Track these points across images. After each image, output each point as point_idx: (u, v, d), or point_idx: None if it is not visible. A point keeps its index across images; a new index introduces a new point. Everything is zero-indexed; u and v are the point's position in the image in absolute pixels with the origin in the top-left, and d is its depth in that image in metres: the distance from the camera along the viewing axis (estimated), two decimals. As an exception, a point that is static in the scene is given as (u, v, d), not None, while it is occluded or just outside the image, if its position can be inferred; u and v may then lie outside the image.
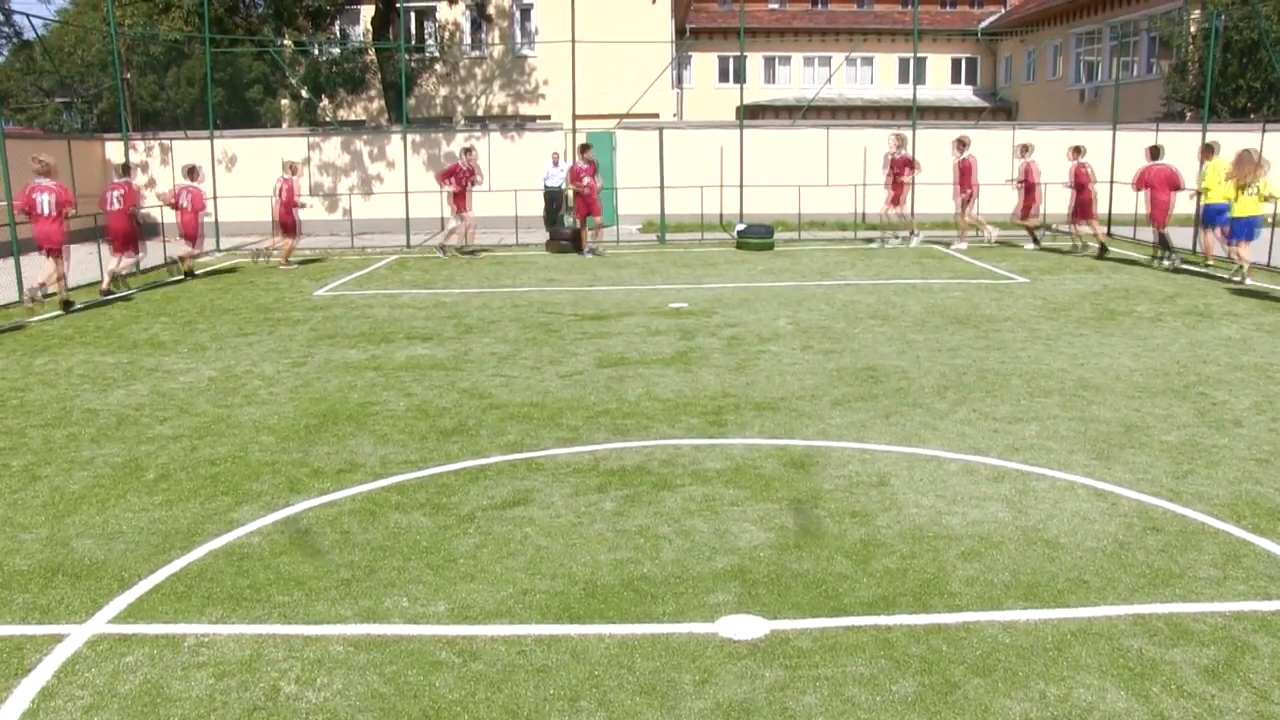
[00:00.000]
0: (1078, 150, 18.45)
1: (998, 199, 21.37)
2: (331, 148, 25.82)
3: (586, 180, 19.38)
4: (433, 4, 30.84)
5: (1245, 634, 4.52)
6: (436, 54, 32.26)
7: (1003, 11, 50.15)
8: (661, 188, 21.83)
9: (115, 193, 15.65)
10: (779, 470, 6.78)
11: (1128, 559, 5.31)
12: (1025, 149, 19.54)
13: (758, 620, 4.69)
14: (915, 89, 24.02)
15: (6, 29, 29.08)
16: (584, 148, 19.90)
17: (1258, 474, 6.61)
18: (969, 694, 4.07)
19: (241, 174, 24.79)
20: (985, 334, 11.29)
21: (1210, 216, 16.30)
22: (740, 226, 20.86)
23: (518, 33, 32.81)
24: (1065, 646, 4.43)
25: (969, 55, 50.45)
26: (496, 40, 32.60)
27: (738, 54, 26.97)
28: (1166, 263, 16.86)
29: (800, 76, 49.62)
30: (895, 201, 20.26)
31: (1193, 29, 30.62)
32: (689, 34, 44.71)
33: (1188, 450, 7.13)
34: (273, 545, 5.65)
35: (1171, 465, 6.81)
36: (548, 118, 29.62)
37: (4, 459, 7.33)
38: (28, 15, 21.58)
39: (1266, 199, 14.69)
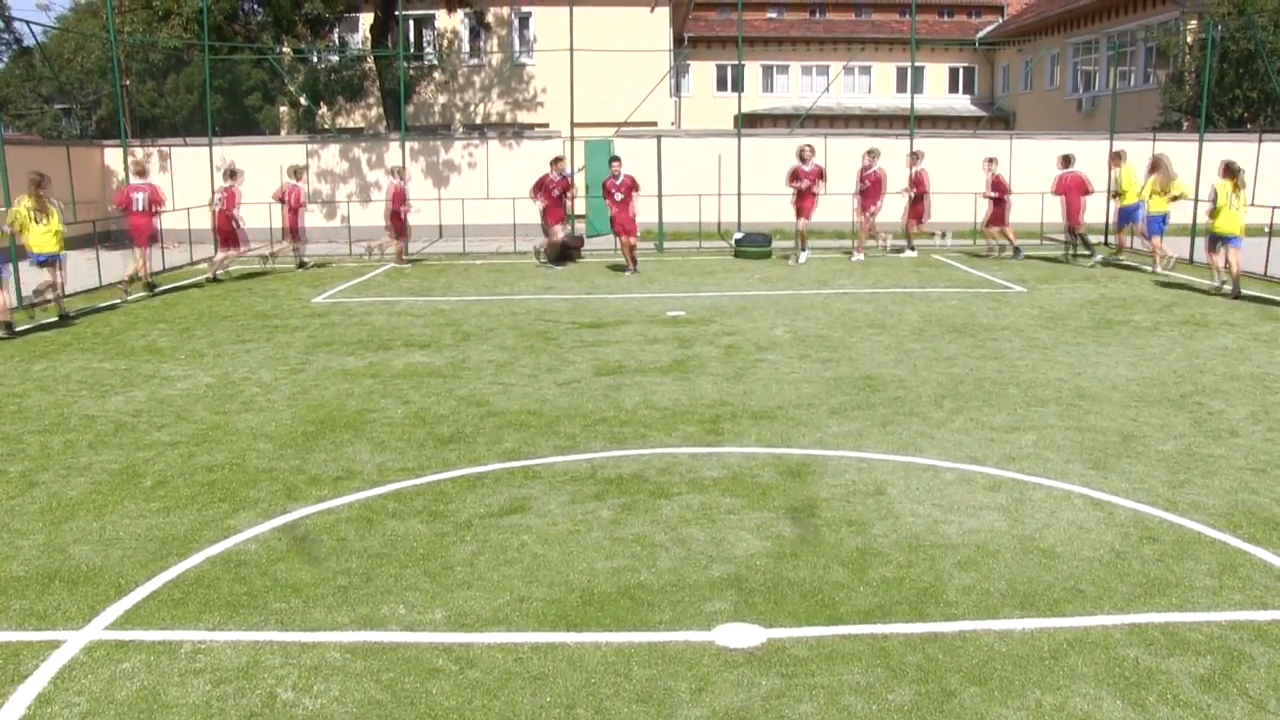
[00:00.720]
0: (992, 161, 19.53)
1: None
2: (330, 155, 25.85)
3: (558, 194, 19.11)
4: (431, 12, 30.88)
5: (1241, 644, 4.52)
6: (435, 62, 32.30)
7: (1000, 21, 50.34)
8: (659, 196, 21.85)
9: (219, 195, 18.46)
10: (776, 479, 6.79)
11: (1124, 568, 5.32)
12: (916, 157, 19.85)
13: (754, 628, 4.70)
14: (913, 98, 24.09)
15: (6, 35, 29.10)
16: (555, 160, 19.46)
17: (1254, 484, 6.63)
18: (965, 703, 4.08)
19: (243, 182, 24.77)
20: (982, 343, 11.31)
21: (1125, 217, 18.46)
22: (738, 235, 20.88)
23: (516, 41, 32.88)
24: (1061, 656, 4.43)
25: (967, 64, 50.59)
26: (495, 48, 32.67)
27: (736, 63, 27.00)
28: (1089, 261, 18.50)
29: (798, 85, 49.74)
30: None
31: (1189, 39, 30.72)
32: (687, 43, 44.78)
33: (1184, 460, 7.14)
34: (270, 552, 5.65)
35: (1168, 475, 6.82)
36: (546, 126, 29.66)
37: (1, 465, 7.34)
38: (28, 22, 21.62)
39: (1175, 198, 17.14)
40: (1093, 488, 6.57)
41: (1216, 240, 14.75)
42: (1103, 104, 35.68)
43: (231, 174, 18.59)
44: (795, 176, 18.91)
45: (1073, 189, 18.83)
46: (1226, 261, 14.70)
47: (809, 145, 19.16)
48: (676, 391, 9.26)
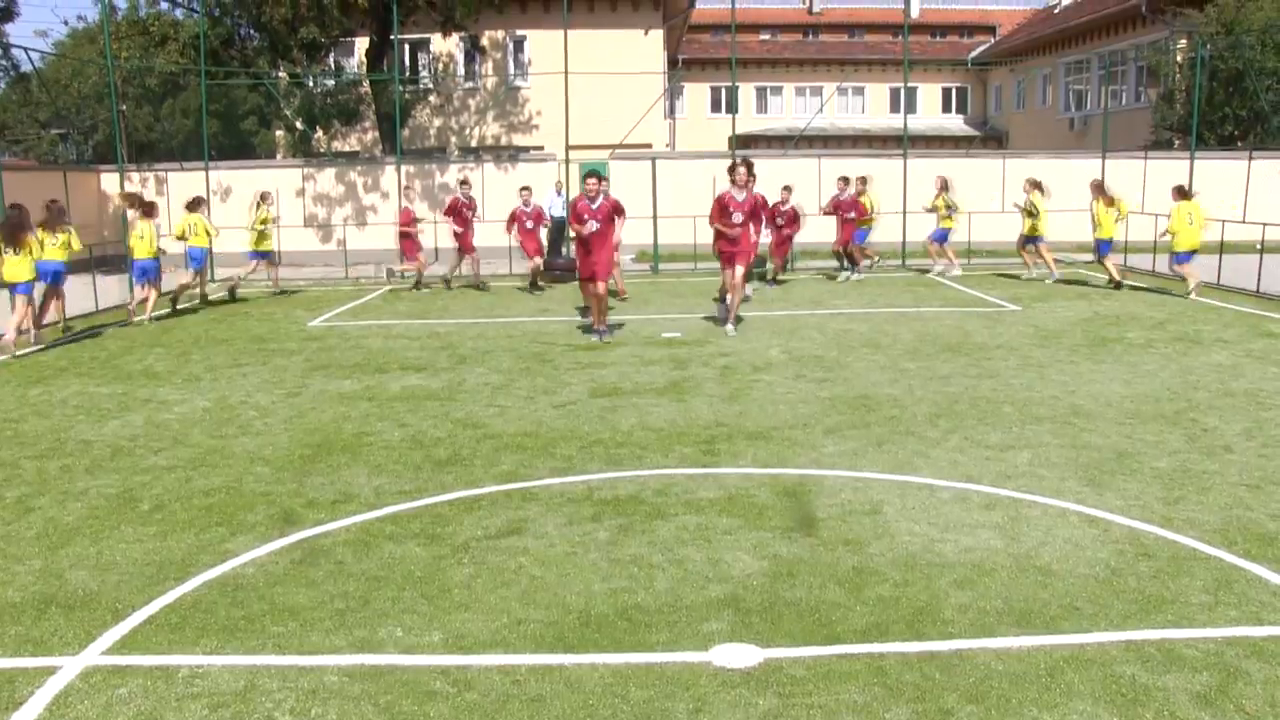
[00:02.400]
0: (847, 181, 19.74)
1: (992, 227, 21.49)
2: (326, 179, 25.94)
3: (530, 225, 18.74)
4: (427, 36, 31.05)
5: (1237, 660, 4.53)
6: (430, 85, 32.46)
7: (992, 41, 50.66)
8: (655, 217, 21.93)
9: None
10: (772, 499, 6.80)
11: (1120, 585, 5.33)
12: (846, 181, 19.64)
13: (751, 649, 4.70)
14: (906, 118, 24.20)
15: (4, 61, 29.23)
16: (523, 189, 19.20)
17: (1248, 500, 6.65)
18: (962, 721, 4.08)
19: (236, 205, 24.86)
20: (977, 362, 11.34)
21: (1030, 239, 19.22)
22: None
23: (511, 64, 33.05)
24: (1058, 673, 4.44)
25: (959, 84, 50.89)
26: (490, 72, 32.83)
27: (730, 84, 27.17)
28: (855, 275, 19.69)
29: (792, 106, 50.00)
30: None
31: (1179, 58, 30.94)
32: (681, 65, 45.03)
33: (1179, 476, 7.16)
34: (267, 576, 5.65)
35: (1163, 491, 6.84)
36: (541, 148, 29.79)
37: (-2, 491, 7.33)
38: (25, 49, 21.71)
39: (1118, 218, 18.12)
40: (1088, 505, 6.59)
41: (1183, 255, 16.48)
42: (1095, 123, 35.89)
43: (408, 189, 20.45)
44: (724, 210, 13.60)
45: (846, 209, 19.44)
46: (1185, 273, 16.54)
47: (743, 162, 13.72)
48: (672, 413, 9.28)
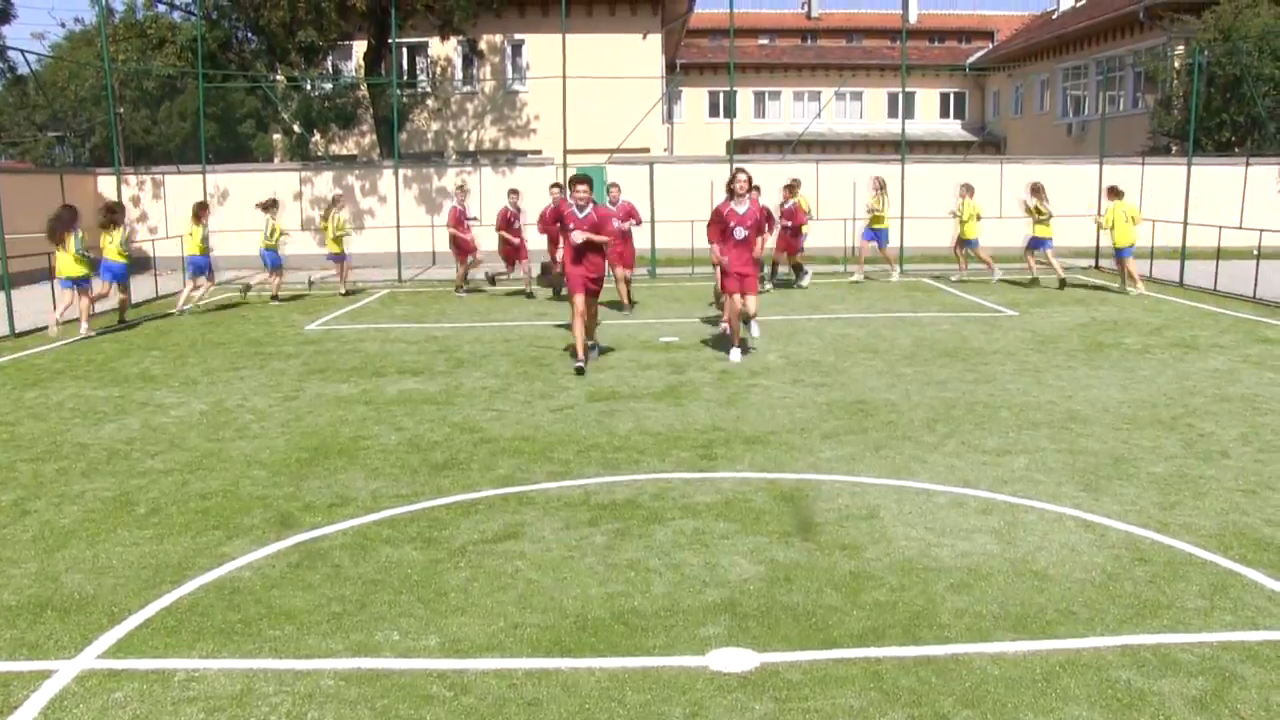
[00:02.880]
0: (791, 188, 19.38)
1: (988, 232, 21.49)
2: (323, 182, 25.94)
3: (517, 225, 18.51)
4: (425, 40, 31.07)
5: (1233, 664, 4.54)
6: (428, 89, 32.48)
7: (990, 47, 50.76)
8: (652, 222, 21.94)
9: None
10: (769, 504, 6.81)
11: (1116, 590, 5.34)
12: (792, 189, 19.12)
13: (748, 653, 4.70)
14: (904, 123, 24.23)
15: (1, 63, 29.21)
16: (511, 192, 19.08)
17: (1244, 505, 6.66)
18: (958, 726, 4.09)
19: (234, 208, 24.88)
20: (974, 367, 11.35)
21: (876, 237, 19.96)
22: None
23: (509, 68, 33.07)
24: (1054, 678, 4.45)
25: (957, 90, 50.98)
26: (488, 76, 32.85)
27: (728, 89, 27.19)
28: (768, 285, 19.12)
29: (790, 111, 50.08)
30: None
31: (1177, 64, 31.00)
32: (679, 69, 45.10)
33: (1175, 481, 7.17)
34: (264, 579, 5.65)
35: (1159, 496, 6.85)
36: (539, 152, 29.80)
37: (-6, 494, 7.32)
38: (22, 51, 21.69)
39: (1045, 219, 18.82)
40: (1085, 510, 6.60)
41: (1126, 250, 17.72)
42: (1092, 128, 35.95)
43: (461, 189, 20.12)
44: (724, 226, 11.93)
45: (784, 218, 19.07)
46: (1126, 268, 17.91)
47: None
48: (669, 417, 9.28)
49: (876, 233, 19.96)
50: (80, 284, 14.81)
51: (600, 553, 5.97)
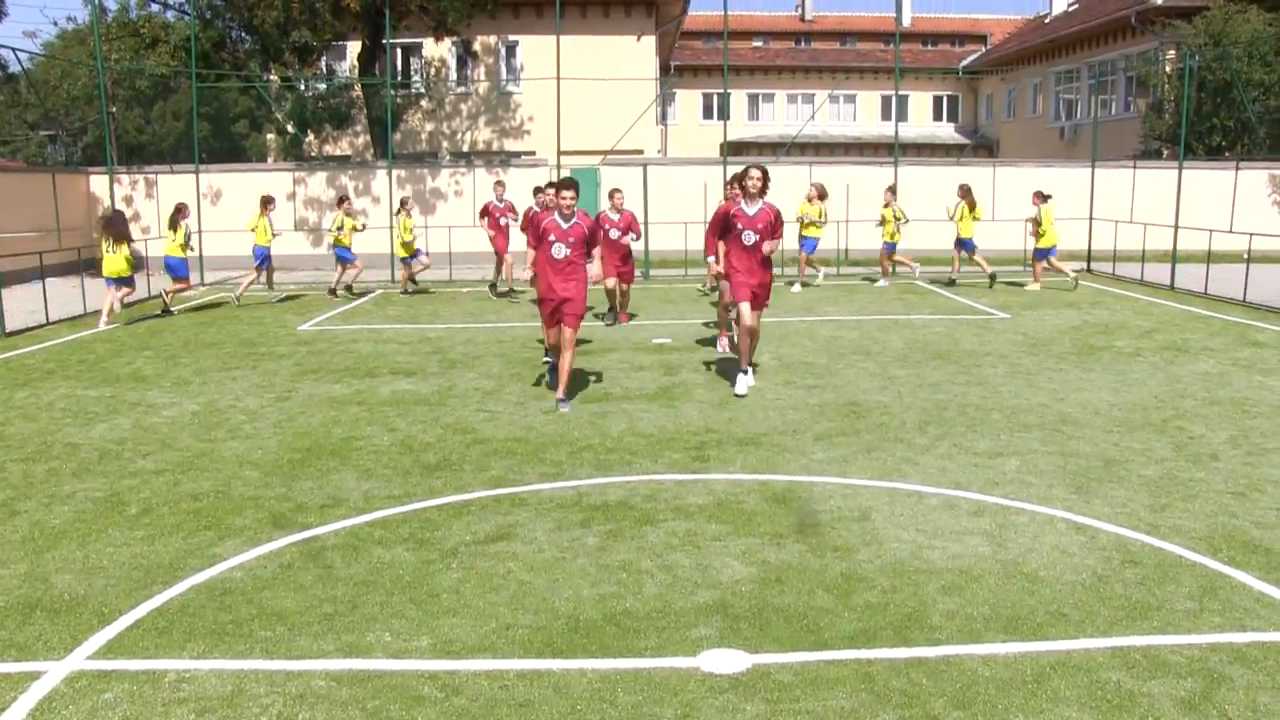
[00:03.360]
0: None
1: (983, 235, 21.52)
2: (317, 182, 25.91)
3: (506, 221, 18.58)
4: (419, 40, 31.04)
5: (1221, 666, 4.56)
6: (422, 90, 32.45)
7: (983, 50, 50.85)
8: (645, 224, 21.93)
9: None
10: (761, 505, 6.82)
11: (1106, 592, 5.35)
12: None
13: (739, 654, 4.71)
14: (897, 126, 24.29)
15: (-8, 63, 29.13)
16: (497, 184, 19.29)
17: (1234, 507, 6.68)
18: (949, 727, 4.10)
19: (226, 208, 24.85)
20: (966, 369, 11.38)
21: (808, 245, 19.58)
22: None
23: (503, 69, 33.07)
24: (1044, 679, 4.46)
25: (950, 93, 51.06)
26: (482, 77, 32.84)
27: (722, 91, 27.20)
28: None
29: (784, 114, 50.12)
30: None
31: (1168, 69, 31.10)
32: (673, 71, 45.11)
33: (1165, 484, 7.20)
34: (255, 580, 5.64)
35: (1150, 499, 6.87)
36: (533, 154, 29.80)
37: (-16, 494, 7.30)
38: (14, 49, 21.64)
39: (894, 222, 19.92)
40: (1075, 512, 6.62)
41: (1044, 252, 18.95)
42: (1084, 132, 36.05)
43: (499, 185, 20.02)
44: (728, 229, 10.47)
45: (496, 215, 19.07)
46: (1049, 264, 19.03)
47: (756, 167, 10.45)
48: (662, 418, 9.29)
49: (806, 239, 19.61)
50: (123, 282, 15.70)
51: (592, 554, 5.98)
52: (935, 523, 6.44)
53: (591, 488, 7.25)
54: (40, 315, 15.84)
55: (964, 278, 20.40)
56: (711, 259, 10.69)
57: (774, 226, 10.31)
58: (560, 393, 9.80)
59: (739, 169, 11.31)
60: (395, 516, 6.70)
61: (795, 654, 4.71)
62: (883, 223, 20.04)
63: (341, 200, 19.07)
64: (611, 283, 14.77)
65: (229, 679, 4.56)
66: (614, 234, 14.59)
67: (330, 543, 6.21)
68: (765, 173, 10.29)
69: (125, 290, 15.92)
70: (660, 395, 10.24)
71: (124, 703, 4.37)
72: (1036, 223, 18.88)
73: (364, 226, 19.12)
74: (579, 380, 10.75)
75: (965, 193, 19.50)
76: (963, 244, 19.58)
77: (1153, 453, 8.00)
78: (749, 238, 10.28)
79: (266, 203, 18.14)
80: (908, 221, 20.18)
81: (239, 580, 5.65)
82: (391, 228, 19.84)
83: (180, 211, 16.93)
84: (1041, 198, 18.81)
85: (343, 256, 18.92)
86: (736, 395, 10.14)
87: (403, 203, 19.65)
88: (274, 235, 18.37)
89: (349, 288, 19.48)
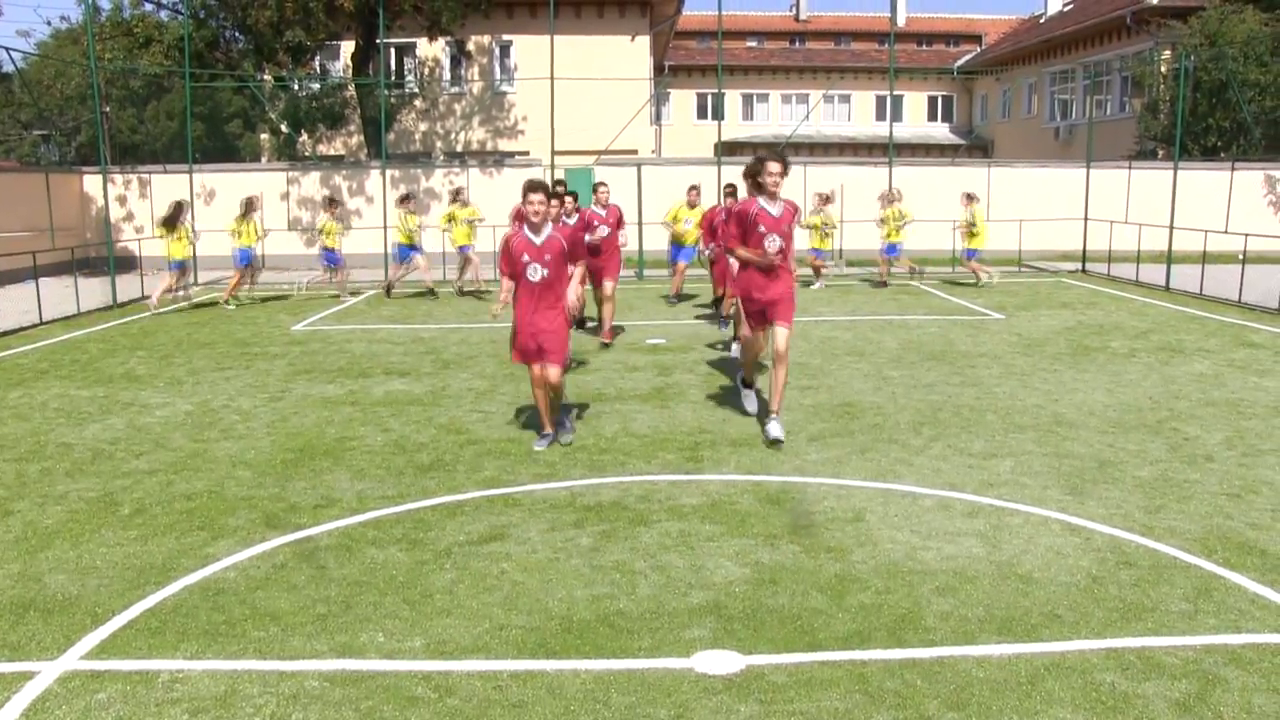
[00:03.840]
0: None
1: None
2: (310, 182, 25.87)
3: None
4: (412, 40, 31.00)
5: (1216, 667, 4.56)
6: (416, 90, 32.41)
7: (978, 50, 50.89)
8: (640, 224, 21.94)
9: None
10: (755, 506, 6.81)
11: (1100, 593, 5.35)
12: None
13: (733, 655, 4.70)
14: (892, 126, 24.30)
15: (-15, 62, 29.08)
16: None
17: (1229, 508, 6.69)
18: (943, 729, 4.09)
19: (220, 208, 24.79)
20: (961, 370, 11.38)
21: (679, 255, 18.01)
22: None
23: (497, 69, 33.03)
24: (1038, 680, 4.46)
25: (945, 93, 51.10)
26: (476, 76, 32.81)
27: (716, 91, 27.20)
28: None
29: (778, 113, 50.12)
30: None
31: (1163, 69, 31.14)
32: (667, 71, 45.11)
33: (1160, 485, 7.20)
34: (249, 580, 5.63)
35: (1144, 500, 6.88)
36: (527, 153, 29.77)
37: (-24, 494, 7.27)
38: (7, 49, 21.58)
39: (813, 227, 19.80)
40: (1070, 513, 6.62)
41: (974, 252, 19.58)
42: (1080, 132, 36.10)
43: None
44: (749, 229, 8.73)
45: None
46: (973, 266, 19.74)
47: (777, 158, 8.50)
48: (656, 419, 9.28)
49: (894, 245, 19.83)
50: (177, 266, 17.32)
51: (586, 555, 5.97)
52: (929, 524, 6.44)
53: (585, 488, 7.24)
54: (34, 315, 15.79)
55: (958, 278, 20.42)
56: (711, 248, 9.29)
57: (792, 230, 8.54)
58: (547, 423, 8.30)
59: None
60: (389, 517, 6.68)
61: (789, 655, 4.71)
62: (883, 223, 20.01)
63: (406, 198, 19.12)
64: (610, 287, 13.60)
65: (222, 679, 4.54)
66: (603, 230, 13.72)
67: (324, 543, 6.20)
68: (785, 164, 8.36)
69: (180, 276, 17.39)
70: (654, 396, 10.23)
71: (117, 703, 4.35)
72: (970, 224, 19.30)
73: (346, 230, 19.49)
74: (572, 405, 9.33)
75: (969, 199, 19.66)
76: (890, 249, 19.80)
77: (1147, 454, 8.01)
78: (774, 243, 8.36)
79: (250, 206, 18.07)
80: (910, 220, 20.10)
81: (232, 580, 5.64)
82: (385, 227, 19.95)
83: (251, 205, 18.00)
84: (970, 199, 19.38)
85: (330, 260, 18.88)
86: (772, 441, 8.21)
87: (456, 192, 19.97)
88: (261, 236, 18.34)
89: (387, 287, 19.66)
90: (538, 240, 8.11)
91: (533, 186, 7.98)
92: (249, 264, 18.26)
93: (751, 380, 9.44)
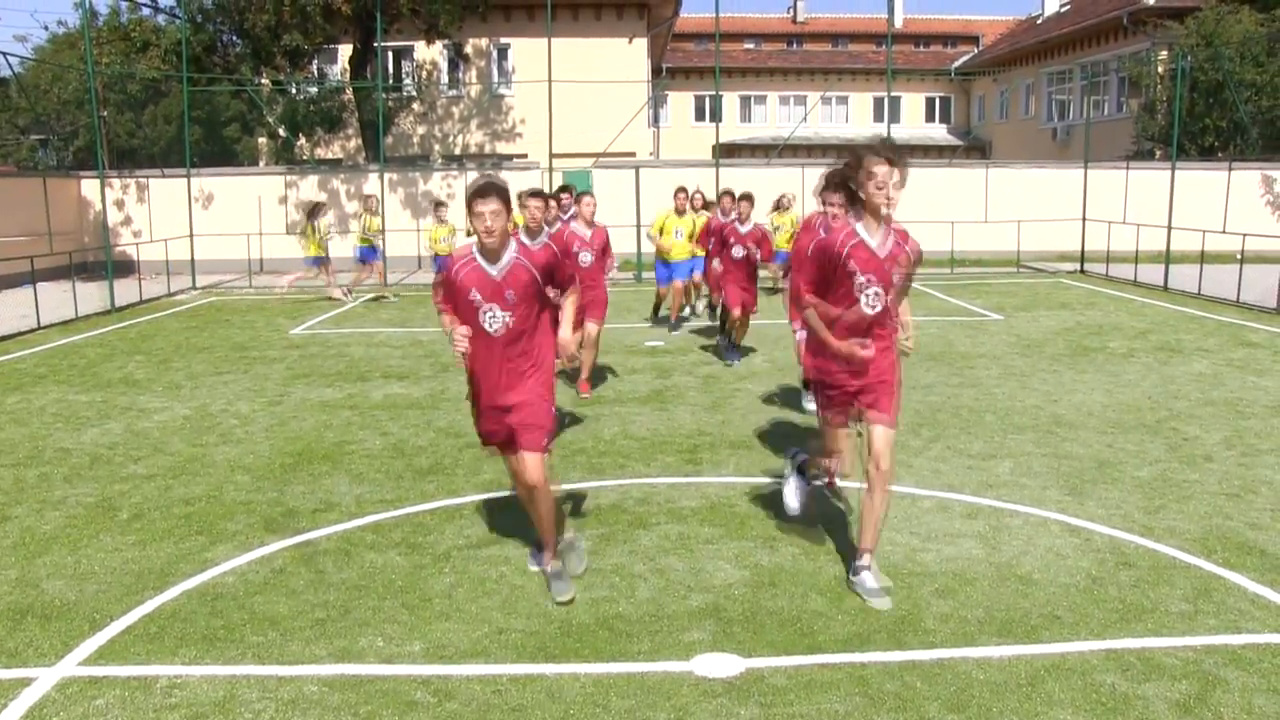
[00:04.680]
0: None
1: (976, 237, 21.58)
2: (309, 186, 25.85)
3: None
4: (410, 43, 30.99)
5: (1216, 668, 4.55)
6: (414, 93, 32.40)
7: (975, 51, 50.93)
8: (638, 226, 21.93)
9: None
10: (754, 508, 6.80)
11: (1100, 594, 5.35)
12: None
13: (733, 658, 4.69)
14: (889, 128, 24.30)
15: (-18, 67, 29.05)
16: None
17: (1228, 509, 6.68)
18: (943, 731, 4.08)
19: (218, 212, 24.80)
20: (959, 371, 11.38)
21: (669, 274, 15.48)
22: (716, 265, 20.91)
23: (495, 72, 33.02)
24: (1038, 682, 4.45)
25: (943, 94, 51.13)
26: (474, 79, 32.80)
27: (714, 93, 27.20)
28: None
29: (776, 115, 50.14)
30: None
31: (1160, 69, 31.17)
32: (665, 73, 45.09)
33: (1159, 485, 7.20)
34: (247, 585, 5.62)
35: (1144, 501, 6.87)
36: (525, 156, 29.77)
37: (-26, 499, 7.26)
38: (4, 54, 21.58)
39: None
40: (1069, 514, 6.61)
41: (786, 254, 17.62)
42: (1077, 133, 36.12)
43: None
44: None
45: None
46: None
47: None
48: (655, 421, 9.27)
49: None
50: (317, 262, 18.55)
51: (584, 558, 5.95)
52: (929, 525, 6.43)
53: (584, 491, 7.23)
54: (31, 320, 15.77)
55: (957, 279, 20.41)
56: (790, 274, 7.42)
57: (907, 277, 5.85)
58: (547, 555, 5.64)
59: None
60: (387, 521, 6.68)
61: (789, 658, 4.70)
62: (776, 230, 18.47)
63: (317, 207, 19.39)
64: (594, 331, 10.33)
65: (221, 685, 4.53)
66: (585, 257, 10.14)
67: (322, 547, 6.19)
68: (898, 161, 5.42)
69: (314, 271, 18.58)
70: (653, 398, 10.22)
71: (115, 709, 4.34)
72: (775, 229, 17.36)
73: (330, 233, 19.71)
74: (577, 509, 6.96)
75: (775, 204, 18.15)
76: (779, 255, 17.72)
77: (1147, 454, 8.00)
78: (873, 297, 5.55)
79: (313, 212, 18.85)
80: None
81: (231, 585, 5.63)
82: (384, 230, 19.97)
83: (318, 209, 18.96)
84: (778, 206, 17.93)
85: (318, 263, 18.94)
86: (874, 598, 5.32)
87: (367, 201, 20.29)
88: (326, 237, 19.01)
89: (348, 289, 19.55)
90: (494, 270, 5.31)
91: (482, 191, 5.20)
92: (366, 261, 19.33)
93: (817, 473, 6.42)
